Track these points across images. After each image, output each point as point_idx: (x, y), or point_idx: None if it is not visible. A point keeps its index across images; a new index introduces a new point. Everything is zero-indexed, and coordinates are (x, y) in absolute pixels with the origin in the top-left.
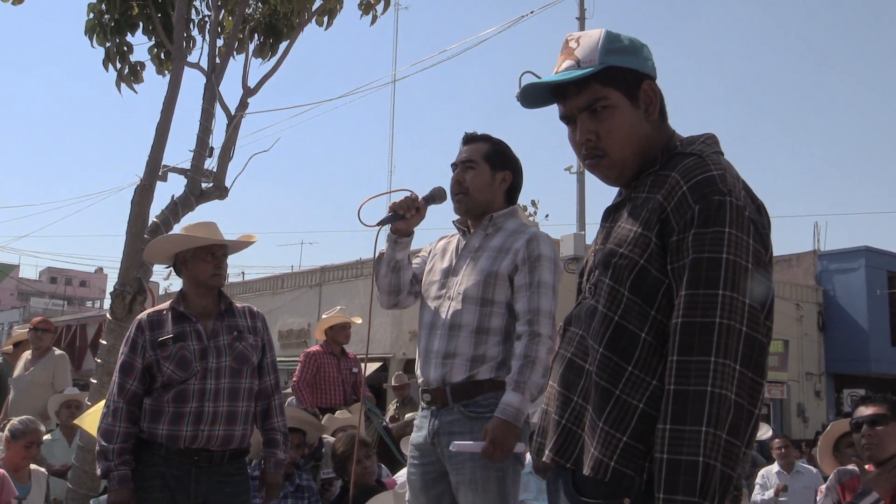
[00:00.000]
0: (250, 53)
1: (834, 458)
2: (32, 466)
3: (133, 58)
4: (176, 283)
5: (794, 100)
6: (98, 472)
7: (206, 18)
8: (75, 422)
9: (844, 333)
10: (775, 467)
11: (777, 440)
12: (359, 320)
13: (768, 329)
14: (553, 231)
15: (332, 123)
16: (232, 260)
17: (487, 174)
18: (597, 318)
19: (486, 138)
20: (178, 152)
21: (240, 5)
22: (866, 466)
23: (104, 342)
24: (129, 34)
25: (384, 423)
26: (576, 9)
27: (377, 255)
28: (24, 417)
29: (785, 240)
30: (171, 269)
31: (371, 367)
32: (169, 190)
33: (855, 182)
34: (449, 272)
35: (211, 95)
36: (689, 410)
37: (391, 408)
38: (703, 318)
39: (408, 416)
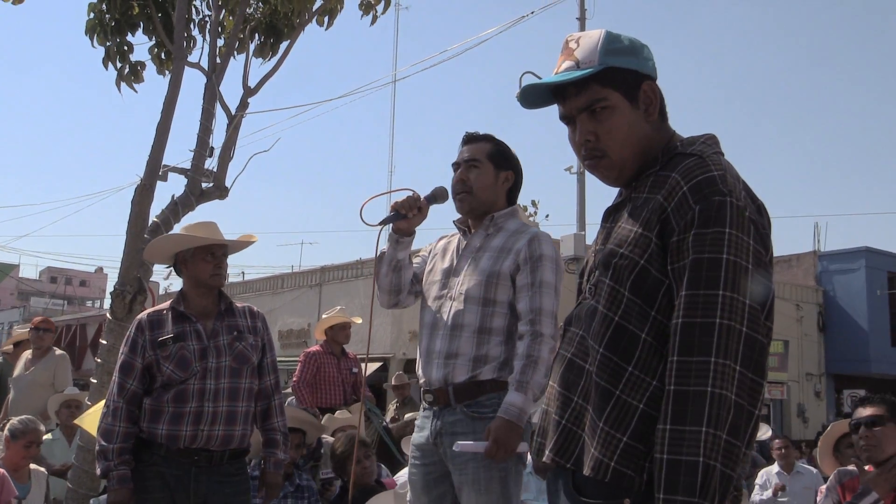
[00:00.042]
0: (251, 53)
1: (834, 459)
2: (32, 466)
3: (133, 57)
4: (176, 283)
5: (795, 100)
6: (98, 471)
7: (207, 18)
8: (75, 421)
9: (844, 334)
10: (775, 468)
11: (777, 441)
12: (359, 320)
13: (768, 329)
14: (553, 231)
15: (332, 123)
16: (232, 260)
17: (491, 173)
18: (597, 319)
19: (488, 138)
20: (179, 152)
21: (240, 5)
22: (866, 467)
23: (104, 342)
24: (129, 34)
25: (384, 423)
26: (576, 9)
27: (378, 254)
28: (23, 417)
29: (785, 240)
30: (172, 268)
31: (371, 367)
32: (169, 190)
33: (855, 183)
34: (450, 272)
35: (211, 95)
36: (690, 411)
37: (391, 408)
38: (703, 318)
39: (408, 416)
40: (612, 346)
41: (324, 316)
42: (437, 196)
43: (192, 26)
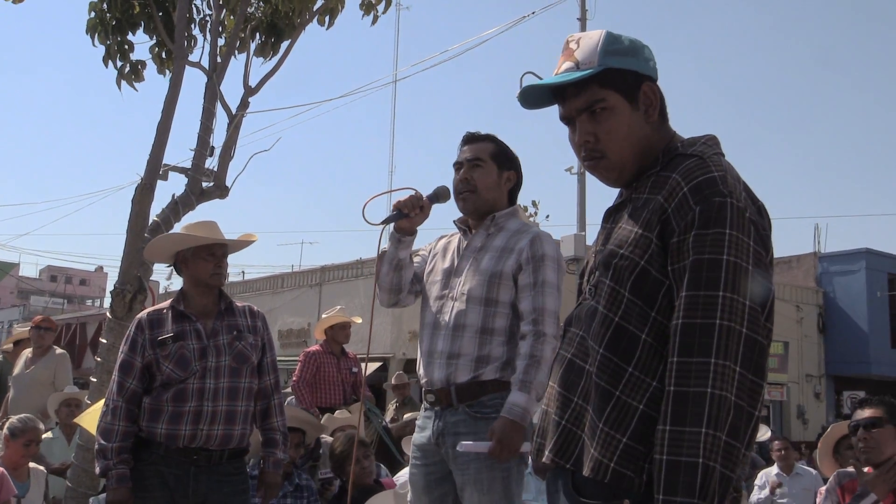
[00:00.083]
0: (251, 53)
1: (834, 461)
2: (31, 465)
3: (134, 56)
4: (178, 283)
5: (795, 101)
6: (97, 470)
7: (208, 17)
8: (75, 420)
9: (844, 335)
10: (775, 469)
11: (777, 442)
12: (359, 320)
13: (768, 331)
14: (554, 232)
15: (332, 123)
16: (232, 259)
17: (495, 173)
18: (597, 319)
19: (490, 138)
20: (179, 151)
21: (241, 4)
22: (864, 469)
23: (104, 341)
24: (130, 33)
25: (384, 423)
26: (577, 9)
27: (379, 252)
28: (23, 416)
29: (785, 241)
30: (173, 268)
31: (371, 367)
32: (169, 189)
33: (856, 184)
34: (451, 272)
35: (212, 95)
36: (689, 412)
37: (391, 408)
38: (703, 319)
39: (407, 416)
40: (612, 346)
41: (324, 315)
42: (440, 195)
43: (192, 25)
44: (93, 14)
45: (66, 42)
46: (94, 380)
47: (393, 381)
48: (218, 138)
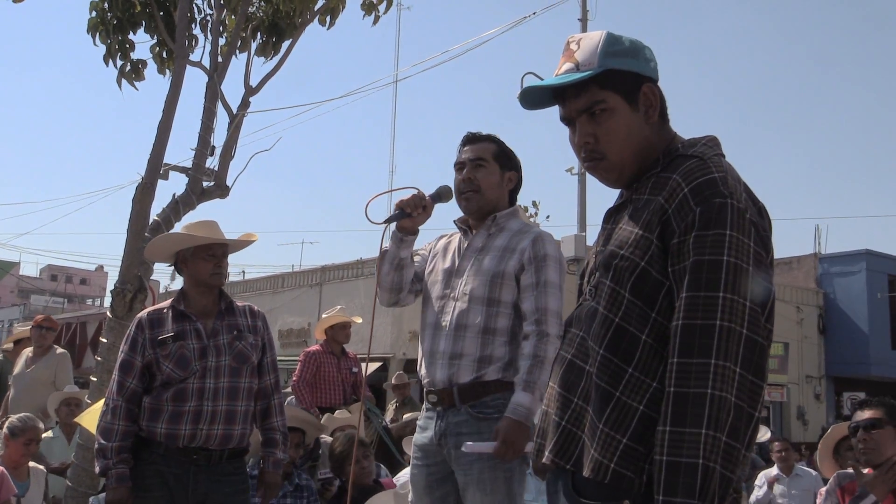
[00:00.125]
0: (252, 52)
1: (834, 462)
2: (31, 464)
3: (135, 55)
4: (180, 283)
5: (796, 102)
6: (97, 470)
7: (209, 17)
8: (75, 420)
9: (845, 336)
10: (774, 470)
11: (777, 443)
12: (359, 320)
13: (769, 331)
14: (554, 232)
15: (333, 123)
16: (232, 259)
17: (497, 173)
18: (597, 320)
19: (491, 138)
20: (180, 151)
21: (242, 4)
22: (864, 470)
23: (104, 340)
24: (131, 32)
25: (384, 423)
26: (578, 10)
27: (381, 251)
28: (22, 415)
29: (786, 242)
30: (174, 267)
31: (371, 367)
32: (170, 188)
33: (856, 185)
34: (452, 272)
35: (213, 94)
36: (689, 413)
37: (391, 408)
38: (703, 320)
39: (407, 416)
40: (613, 347)
41: (324, 315)
42: (442, 195)
43: (193, 25)
44: (94, 13)
45: (66, 41)
46: (95, 379)
47: (393, 381)
48: (219, 138)
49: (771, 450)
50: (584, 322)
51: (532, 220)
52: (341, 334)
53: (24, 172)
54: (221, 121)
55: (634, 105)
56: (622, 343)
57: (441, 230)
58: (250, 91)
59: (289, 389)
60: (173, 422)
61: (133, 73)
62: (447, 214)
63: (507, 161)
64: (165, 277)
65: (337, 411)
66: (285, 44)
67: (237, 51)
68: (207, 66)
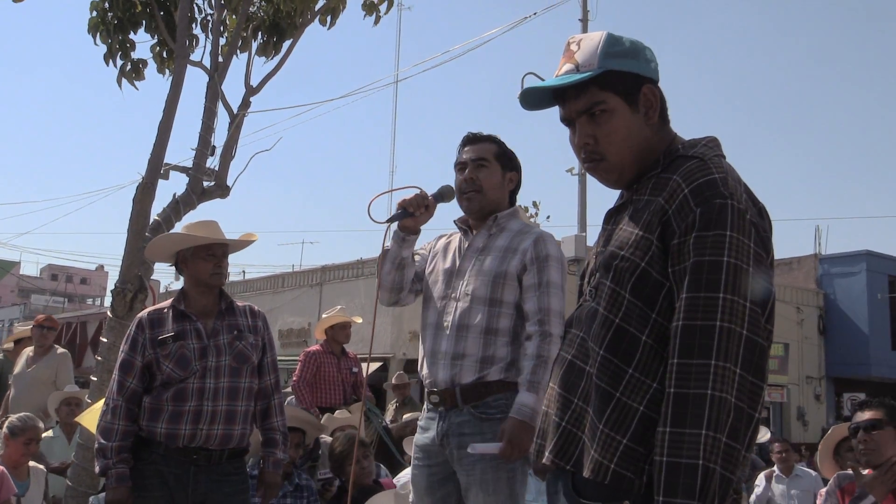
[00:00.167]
0: (253, 52)
1: (834, 463)
2: (31, 463)
3: (135, 55)
4: (181, 282)
5: (796, 102)
6: (97, 469)
7: (209, 17)
8: (75, 419)
9: (845, 337)
10: (775, 471)
11: (777, 444)
12: (359, 320)
13: (769, 332)
14: (554, 232)
15: (334, 123)
16: (233, 259)
17: (499, 173)
18: (598, 321)
19: (492, 139)
20: (181, 150)
21: (243, 4)
22: (864, 471)
23: (104, 340)
24: (131, 32)
25: (384, 424)
26: (579, 10)
27: (382, 250)
28: (22, 414)
29: (786, 243)
30: (174, 267)
31: (371, 367)
32: (170, 188)
33: (856, 186)
34: (452, 273)
35: (213, 94)
36: (690, 413)
37: (391, 408)
38: (703, 321)
39: (407, 416)
40: (613, 348)
41: (324, 315)
42: (444, 195)
43: (194, 25)
44: (94, 13)
45: (66, 41)
46: (95, 379)
47: (393, 381)
48: (219, 138)
49: (771, 450)
50: (585, 323)
51: (532, 220)
52: (341, 334)
53: (24, 172)
54: (222, 121)
55: (634, 106)
56: (622, 344)
57: (440, 230)
58: (251, 91)
59: (289, 389)
60: (173, 422)
61: (133, 72)
62: (447, 214)
63: (508, 161)
64: (166, 277)
65: (337, 411)
66: (286, 44)
67: (238, 51)
68: (208, 66)
